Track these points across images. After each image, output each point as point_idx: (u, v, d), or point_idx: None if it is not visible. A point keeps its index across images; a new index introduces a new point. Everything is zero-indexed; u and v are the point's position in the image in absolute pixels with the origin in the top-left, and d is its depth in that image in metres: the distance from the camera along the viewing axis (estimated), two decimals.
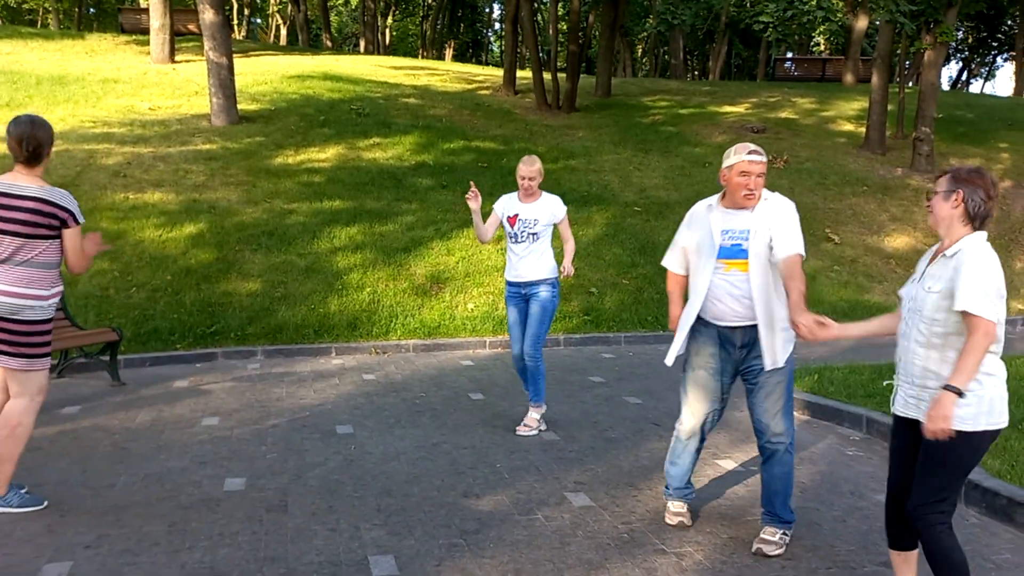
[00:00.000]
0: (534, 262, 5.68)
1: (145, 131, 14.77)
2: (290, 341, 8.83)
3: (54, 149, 4.33)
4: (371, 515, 4.23)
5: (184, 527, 4.04)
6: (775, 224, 3.69)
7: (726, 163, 3.75)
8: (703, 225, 3.89)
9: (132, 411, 6.37)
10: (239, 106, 16.14)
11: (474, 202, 5.68)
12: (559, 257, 5.89)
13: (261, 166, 13.63)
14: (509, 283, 5.81)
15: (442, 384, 7.40)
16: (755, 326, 3.75)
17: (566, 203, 6.14)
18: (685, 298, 4.08)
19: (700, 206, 3.99)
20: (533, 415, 5.86)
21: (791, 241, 3.64)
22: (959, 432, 2.83)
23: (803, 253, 3.66)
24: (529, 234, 5.67)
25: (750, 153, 3.66)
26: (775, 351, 3.74)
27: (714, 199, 3.93)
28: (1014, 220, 14.28)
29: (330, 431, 5.82)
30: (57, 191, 4.10)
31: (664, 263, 4.18)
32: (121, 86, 17.98)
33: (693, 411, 3.98)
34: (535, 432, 5.80)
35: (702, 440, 4.08)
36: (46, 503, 4.29)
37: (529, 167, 5.70)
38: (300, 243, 10.99)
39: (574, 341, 9.43)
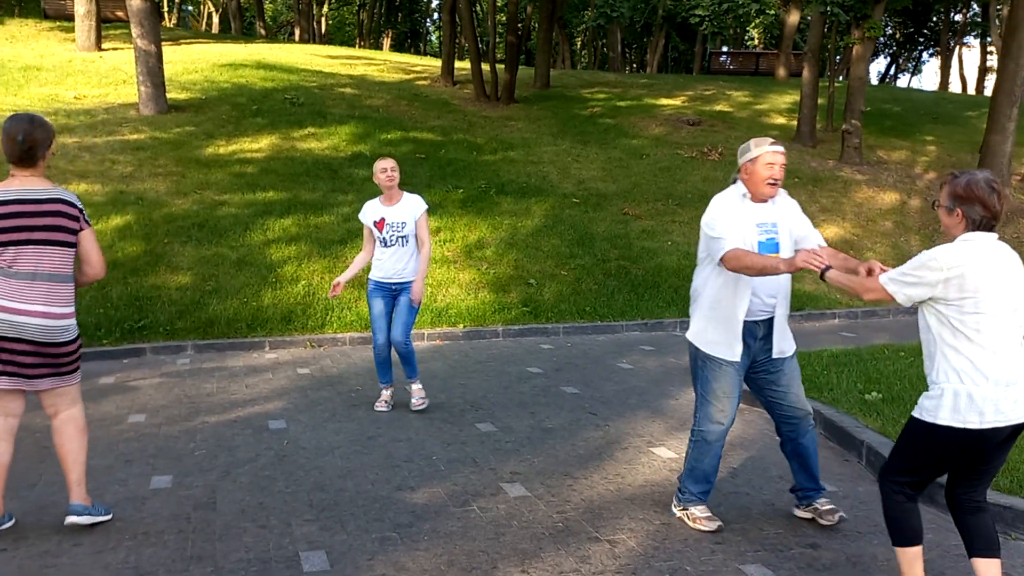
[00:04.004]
0: (405, 264, 5.89)
1: (70, 121, 14.29)
2: (222, 335, 8.64)
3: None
4: (303, 510, 4.16)
5: (107, 526, 3.92)
6: (795, 217, 3.89)
7: (747, 156, 3.77)
8: (740, 218, 3.76)
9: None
10: (168, 95, 15.73)
11: (339, 288, 5.90)
12: None
13: (191, 156, 13.31)
14: (377, 282, 5.95)
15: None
16: (772, 317, 3.87)
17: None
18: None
19: (732, 196, 3.81)
20: (417, 387, 6.18)
21: (814, 232, 3.90)
22: (913, 417, 3.09)
23: None
24: (398, 237, 5.84)
25: (772, 144, 3.74)
26: (790, 338, 3.95)
27: (740, 191, 3.82)
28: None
29: (262, 426, 5.71)
30: (64, 192, 3.80)
31: (729, 246, 3.64)
32: (44, 74, 17.36)
33: (724, 410, 3.88)
34: (426, 401, 6.16)
35: (724, 439, 3.98)
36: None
37: (386, 160, 5.96)
38: (232, 235, 10.75)
39: (512, 332, 9.43)
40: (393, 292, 5.96)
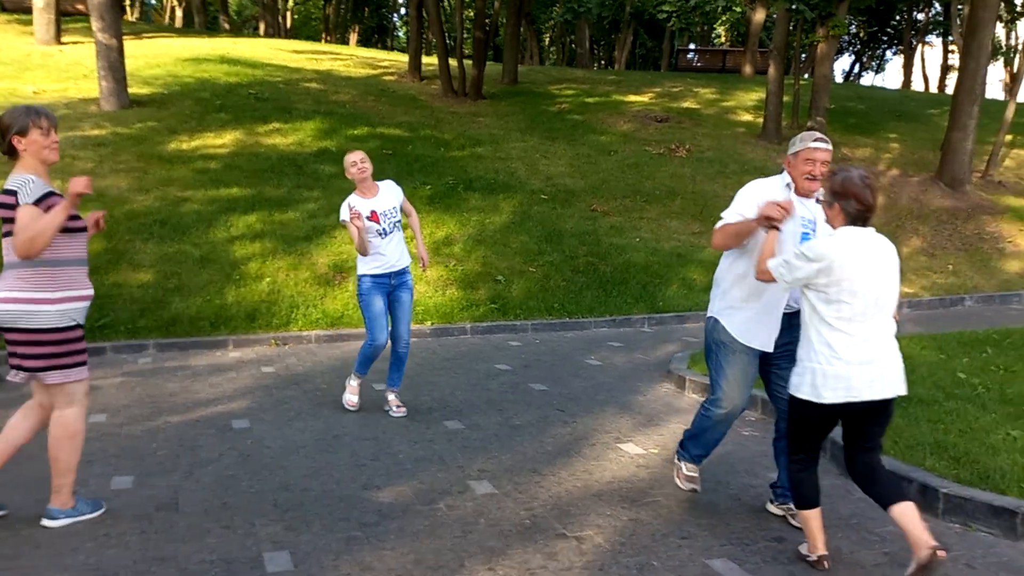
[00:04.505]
0: (402, 249, 5.92)
1: None
2: (184, 334, 8.52)
3: None
4: (267, 511, 4.11)
5: (67, 528, 3.84)
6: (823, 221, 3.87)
7: (792, 149, 3.81)
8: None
9: (13, 409, 5.97)
10: (130, 90, 15.47)
11: (360, 220, 5.52)
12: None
13: (153, 152, 13.10)
14: (376, 276, 5.80)
15: (345, 375, 7.23)
16: (792, 313, 3.85)
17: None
18: None
19: (773, 183, 3.87)
20: (394, 396, 6.10)
21: None
22: (789, 393, 3.43)
23: None
24: (394, 223, 5.84)
25: (816, 140, 3.75)
26: None
27: (784, 180, 3.86)
28: (900, 208, 14.95)
29: (226, 426, 5.63)
30: (16, 177, 3.69)
31: (727, 217, 3.82)
32: (2, 68, 16.99)
33: (732, 396, 3.89)
34: (405, 408, 6.05)
35: (732, 422, 4.01)
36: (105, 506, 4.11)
37: (355, 154, 5.81)
38: (195, 232, 10.61)
39: (480, 329, 9.40)
40: (391, 285, 5.86)
